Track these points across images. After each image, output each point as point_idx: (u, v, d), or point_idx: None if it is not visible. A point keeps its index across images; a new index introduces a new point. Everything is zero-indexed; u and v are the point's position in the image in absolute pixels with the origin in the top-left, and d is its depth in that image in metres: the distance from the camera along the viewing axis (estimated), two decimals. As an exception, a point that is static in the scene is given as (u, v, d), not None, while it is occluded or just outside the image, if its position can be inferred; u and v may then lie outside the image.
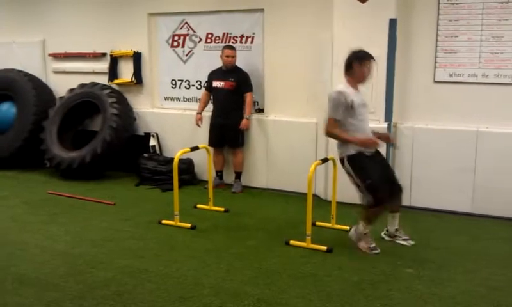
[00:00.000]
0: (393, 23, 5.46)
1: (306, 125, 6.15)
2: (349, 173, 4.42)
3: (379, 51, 5.44)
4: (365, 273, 3.96)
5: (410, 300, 3.54)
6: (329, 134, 4.39)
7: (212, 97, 6.54)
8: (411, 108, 5.71)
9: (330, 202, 5.09)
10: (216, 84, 6.39)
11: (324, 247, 4.38)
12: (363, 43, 5.50)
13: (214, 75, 6.46)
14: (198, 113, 6.53)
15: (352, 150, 4.28)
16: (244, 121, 6.27)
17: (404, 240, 4.61)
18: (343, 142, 4.33)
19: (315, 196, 5.32)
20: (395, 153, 5.71)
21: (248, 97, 6.30)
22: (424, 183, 5.62)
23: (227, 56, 6.27)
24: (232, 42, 6.60)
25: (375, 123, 5.59)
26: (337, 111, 4.24)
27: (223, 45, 6.52)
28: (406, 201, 5.65)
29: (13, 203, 5.94)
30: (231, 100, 6.32)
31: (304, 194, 4.60)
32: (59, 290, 3.67)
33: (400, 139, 5.67)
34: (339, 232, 4.89)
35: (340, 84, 4.39)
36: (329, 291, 3.63)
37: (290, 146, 6.25)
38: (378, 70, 5.49)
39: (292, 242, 4.53)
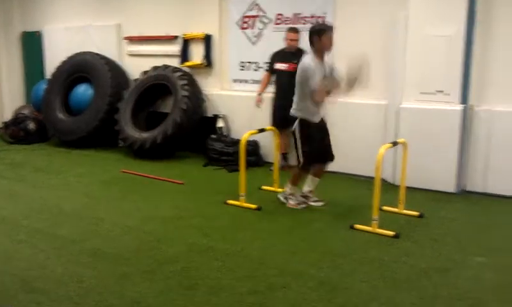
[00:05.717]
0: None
1: (376, 107, 6.00)
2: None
3: (456, 28, 5.20)
4: (433, 260, 3.84)
5: (479, 289, 3.40)
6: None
7: (274, 79, 6.52)
8: (490, 90, 5.41)
9: (398, 186, 4.96)
10: (278, 66, 6.36)
11: (391, 233, 4.29)
12: (439, 20, 5.31)
13: (277, 56, 6.42)
14: (258, 94, 6.54)
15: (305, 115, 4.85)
16: None
17: (314, 201, 5.14)
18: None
19: (382, 180, 5.20)
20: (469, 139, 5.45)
21: None
22: (502, 170, 5.33)
23: (291, 40, 6.21)
24: (302, 23, 6.53)
25: (449, 105, 5.38)
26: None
27: (292, 26, 6.48)
28: (480, 187, 5.45)
29: (89, 180, 6.26)
30: (293, 82, 6.26)
31: (372, 178, 4.52)
32: (131, 264, 3.84)
33: (476, 123, 5.41)
34: (407, 217, 4.76)
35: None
36: (395, 277, 3.56)
37: (358, 128, 6.13)
38: (454, 48, 5.26)
39: (357, 226, 4.47)
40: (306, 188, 5.10)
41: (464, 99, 5.39)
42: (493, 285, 3.45)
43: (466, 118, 5.42)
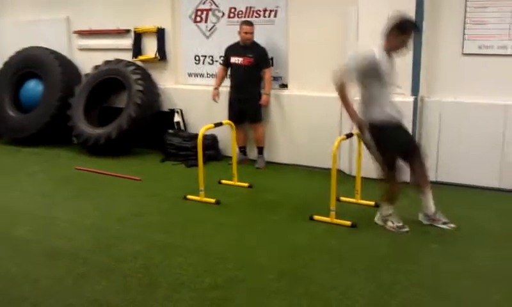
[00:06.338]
0: (421, -7, 5.33)
1: (331, 100, 6.04)
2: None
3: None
4: (390, 248, 3.95)
5: (435, 275, 3.52)
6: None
7: (230, 73, 6.51)
8: (439, 81, 5.59)
9: (354, 177, 5.07)
10: (234, 59, 6.35)
11: (349, 223, 4.38)
12: (389, 14, 5.42)
13: (232, 50, 6.40)
14: (214, 89, 6.52)
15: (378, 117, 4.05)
16: (264, 98, 6.27)
17: (444, 223, 4.31)
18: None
19: (339, 171, 5.31)
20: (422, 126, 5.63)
21: (267, 73, 6.27)
22: (451, 158, 5.53)
23: (245, 32, 6.21)
24: (255, 16, 6.53)
25: (401, 97, 5.51)
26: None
27: (246, 19, 6.48)
28: (431, 176, 5.62)
29: (42, 178, 6.09)
30: (249, 76, 6.30)
31: (329, 170, 4.59)
32: (88, 263, 3.77)
33: (427, 113, 5.59)
34: (364, 207, 4.88)
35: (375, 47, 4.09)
36: (353, 266, 3.64)
37: (314, 121, 6.21)
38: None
39: (316, 217, 4.53)
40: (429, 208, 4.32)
41: (415, 91, 5.55)
42: (449, 271, 3.58)
43: (417, 109, 5.59)
